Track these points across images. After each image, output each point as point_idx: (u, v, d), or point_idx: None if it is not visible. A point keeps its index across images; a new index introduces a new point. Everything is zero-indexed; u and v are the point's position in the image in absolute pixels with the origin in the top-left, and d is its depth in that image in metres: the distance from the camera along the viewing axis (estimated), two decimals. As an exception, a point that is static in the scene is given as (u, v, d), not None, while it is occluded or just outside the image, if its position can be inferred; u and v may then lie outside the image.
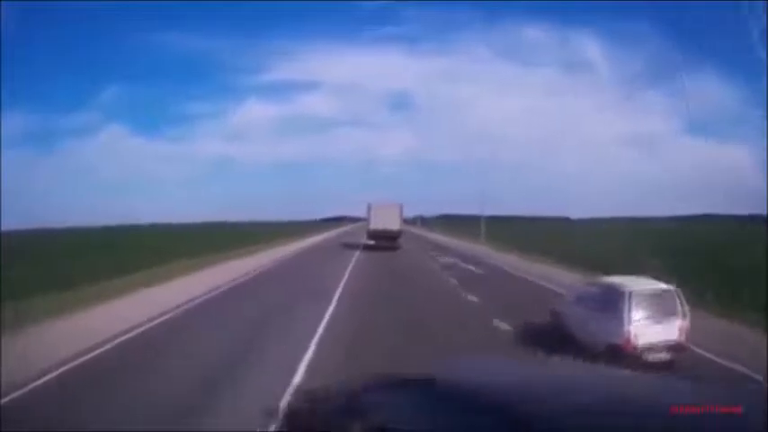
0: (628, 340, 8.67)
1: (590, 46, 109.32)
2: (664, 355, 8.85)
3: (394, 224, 39.49)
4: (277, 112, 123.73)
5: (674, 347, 8.89)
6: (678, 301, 8.99)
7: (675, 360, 8.92)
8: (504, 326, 13.06)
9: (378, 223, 39.42)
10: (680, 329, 8.88)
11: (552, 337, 10.80)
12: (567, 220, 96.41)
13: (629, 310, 8.71)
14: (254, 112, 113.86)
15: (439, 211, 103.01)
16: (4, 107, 62.31)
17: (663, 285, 9.25)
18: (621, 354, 8.72)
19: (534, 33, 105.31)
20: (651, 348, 8.73)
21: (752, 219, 48.53)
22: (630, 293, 8.88)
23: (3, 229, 34.38)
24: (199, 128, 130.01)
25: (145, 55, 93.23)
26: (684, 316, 8.94)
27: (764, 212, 37.35)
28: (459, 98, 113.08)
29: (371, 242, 40.27)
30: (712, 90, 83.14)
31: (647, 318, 8.79)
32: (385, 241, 38.99)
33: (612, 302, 9.13)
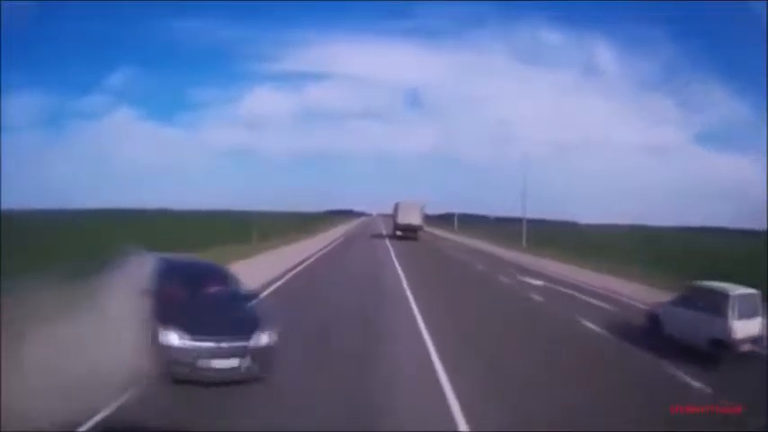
0: (730, 335, 11.01)
1: (605, 51, 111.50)
2: (749, 347, 11.33)
3: (416, 219, 49.29)
4: (289, 102, 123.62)
5: (755, 340, 11.37)
6: (761, 302, 11.49)
7: (755, 350, 11.33)
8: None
9: (403, 218, 49.19)
10: (761, 325, 11.39)
11: (651, 337, 12.92)
12: (574, 224, 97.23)
13: (734, 310, 11.11)
14: (266, 101, 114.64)
15: (445, 210, 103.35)
16: (16, 88, 64.77)
17: (752, 290, 11.66)
18: (722, 346, 11.16)
19: (550, 36, 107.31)
20: (743, 341, 11.18)
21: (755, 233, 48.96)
22: (735, 296, 11.25)
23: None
24: (207, 115, 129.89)
25: (158, 40, 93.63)
26: (765, 314, 11.43)
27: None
28: (473, 96, 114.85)
29: (398, 233, 49.42)
30: (728, 100, 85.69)
31: (742, 316, 11.18)
32: (408, 233, 48.49)
33: (716, 304, 11.37)
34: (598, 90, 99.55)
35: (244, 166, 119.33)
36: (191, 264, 11.11)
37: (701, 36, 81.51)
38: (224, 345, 8.08)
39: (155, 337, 8.01)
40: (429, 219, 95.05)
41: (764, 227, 42.51)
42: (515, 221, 60.29)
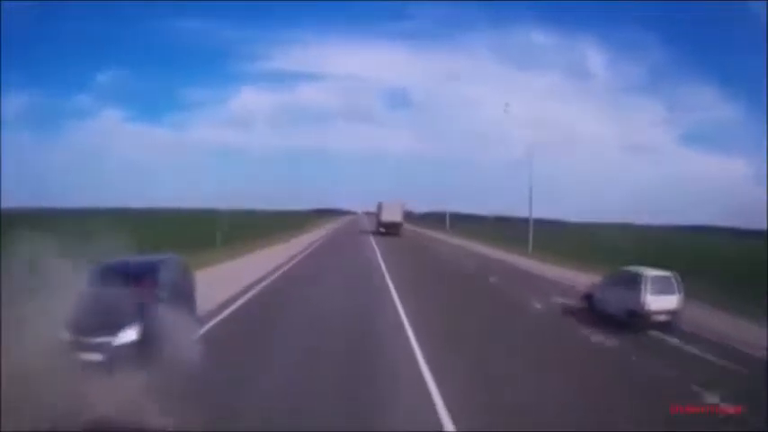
0: (642, 306, 13.17)
1: (594, 54, 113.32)
2: (664, 317, 13.36)
3: (397, 217, 54.81)
4: (277, 101, 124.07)
5: (671, 312, 13.39)
6: (676, 283, 13.43)
7: (671, 321, 13.36)
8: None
9: (387, 216, 54.51)
10: (677, 301, 13.37)
11: (586, 312, 15.29)
12: (563, 223, 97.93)
13: (647, 287, 13.18)
14: (256, 100, 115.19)
15: (438, 208, 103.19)
16: (7, 88, 65.10)
17: (667, 272, 13.63)
18: (637, 316, 13.26)
19: (539, 38, 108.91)
20: (657, 312, 13.24)
21: (749, 233, 49.71)
22: (648, 276, 13.36)
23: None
24: (197, 115, 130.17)
25: (151, 40, 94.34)
26: (680, 292, 13.37)
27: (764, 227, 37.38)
28: (461, 98, 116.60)
29: (382, 229, 54.50)
30: (715, 101, 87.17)
31: (656, 292, 13.20)
32: (391, 229, 53.37)
33: (634, 283, 13.46)
34: (588, 92, 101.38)
35: (233, 165, 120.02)
36: (126, 265, 11.06)
37: (690, 39, 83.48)
38: (89, 340, 8.63)
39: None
40: (418, 217, 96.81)
41: (755, 225, 44.35)
42: (514, 221, 54.58)
